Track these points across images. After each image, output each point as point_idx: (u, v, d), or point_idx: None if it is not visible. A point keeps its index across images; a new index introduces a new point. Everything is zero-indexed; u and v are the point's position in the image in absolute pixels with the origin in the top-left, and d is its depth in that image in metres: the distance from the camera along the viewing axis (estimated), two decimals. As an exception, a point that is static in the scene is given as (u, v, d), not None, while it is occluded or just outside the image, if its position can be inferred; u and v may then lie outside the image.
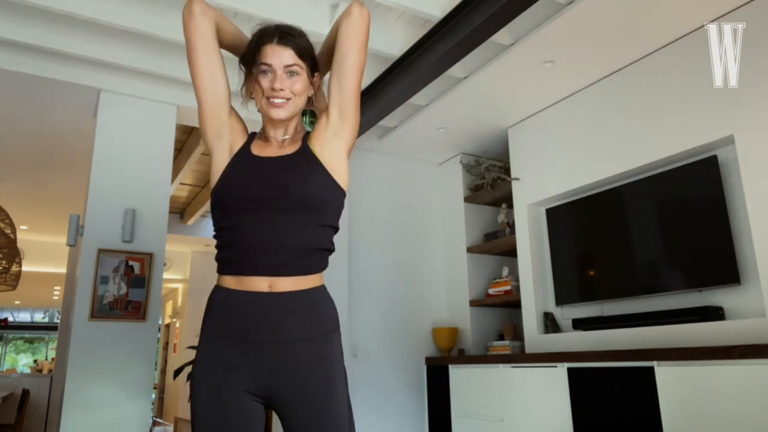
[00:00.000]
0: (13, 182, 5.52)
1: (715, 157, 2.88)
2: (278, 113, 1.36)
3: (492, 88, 3.60)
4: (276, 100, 1.35)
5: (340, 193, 1.38)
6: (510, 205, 4.19)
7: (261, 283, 1.29)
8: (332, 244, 1.38)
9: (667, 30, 2.99)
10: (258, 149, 1.40)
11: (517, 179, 4.00)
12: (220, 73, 1.37)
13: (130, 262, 3.37)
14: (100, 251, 3.32)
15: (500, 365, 3.56)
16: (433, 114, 3.95)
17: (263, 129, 1.44)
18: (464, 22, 2.85)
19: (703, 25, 2.85)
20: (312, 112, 1.61)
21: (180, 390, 7.46)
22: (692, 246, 2.96)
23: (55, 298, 12.05)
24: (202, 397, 1.28)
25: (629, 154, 3.25)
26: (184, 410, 7.55)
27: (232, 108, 1.42)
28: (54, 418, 5.59)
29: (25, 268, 6.07)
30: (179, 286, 9.45)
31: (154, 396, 9.91)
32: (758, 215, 2.63)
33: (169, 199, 3.65)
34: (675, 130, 3.03)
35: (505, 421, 3.42)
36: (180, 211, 7.31)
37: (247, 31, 1.47)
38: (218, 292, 1.34)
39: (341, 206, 1.39)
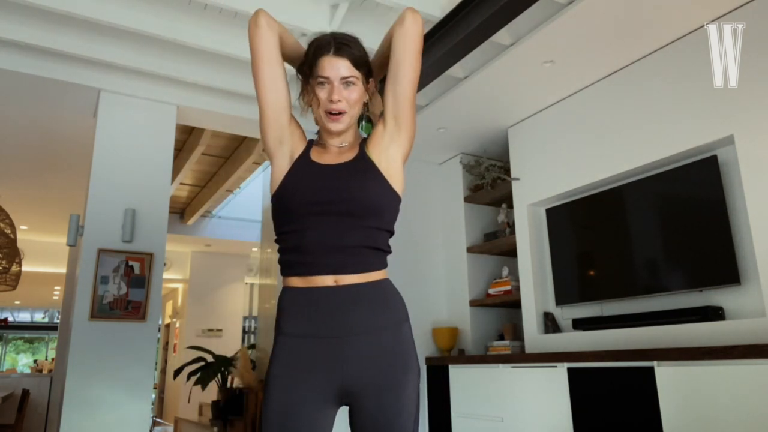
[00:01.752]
0: (13, 182, 5.52)
1: (715, 157, 2.88)
2: (336, 126, 1.41)
3: (492, 88, 3.60)
4: (334, 112, 1.39)
5: (396, 199, 1.43)
6: (510, 205, 4.19)
7: (326, 280, 1.34)
8: (388, 246, 1.44)
9: (667, 30, 2.99)
10: (317, 156, 1.44)
11: (517, 179, 4.00)
12: (281, 82, 1.42)
13: (130, 262, 3.37)
14: (100, 251, 3.32)
15: (500, 365, 3.56)
16: (433, 114, 3.95)
17: (320, 137, 1.48)
18: (464, 22, 2.85)
19: (703, 25, 2.85)
20: (368, 118, 1.65)
21: (180, 390, 7.45)
22: (692, 246, 2.96)
23: (55, 298, 12.05)
24: (274, 397, 1.30)
25: (629, 154, 3.25)
26: (183, 410, 7.54)
27: (291, 115, 1.46)
28: (54, 418, 5.59)
29: (25, 268, 6.07)
30: (179, 286, 9.46)
31: (154, 396, 9.91)
32: (758, 215, 2.63)
33: (169, 199, 3.66)
34: (675, 130, 3.03)
35: (505, 421, 3.42)
36: (180, 211, 7.32)
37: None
38: (286, 292, 1.38)
39: (397, 211, 1.45)
